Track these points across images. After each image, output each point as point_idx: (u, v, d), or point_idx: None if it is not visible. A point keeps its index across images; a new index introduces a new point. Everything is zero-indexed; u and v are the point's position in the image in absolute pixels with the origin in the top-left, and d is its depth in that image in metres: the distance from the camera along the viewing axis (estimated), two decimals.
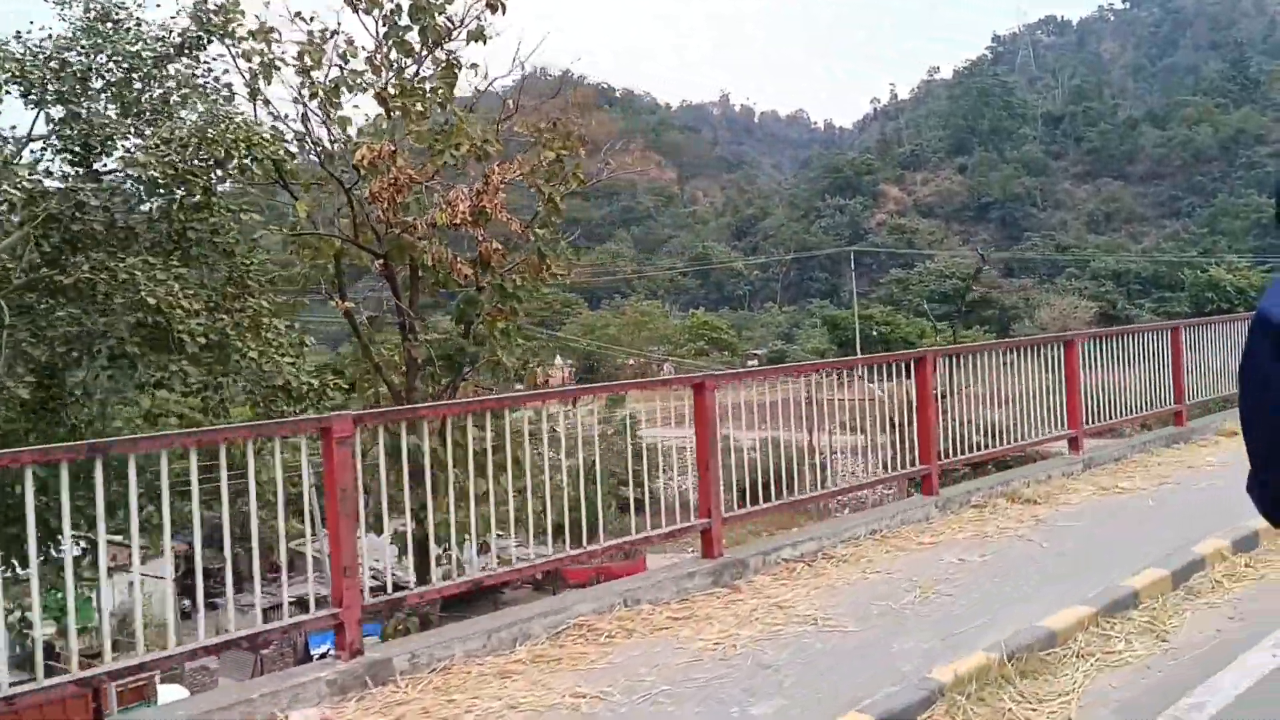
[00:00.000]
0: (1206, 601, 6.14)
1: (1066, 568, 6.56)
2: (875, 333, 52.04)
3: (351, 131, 15.42)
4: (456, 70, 14.82)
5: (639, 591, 5.87)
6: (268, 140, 15.60)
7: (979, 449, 8.95)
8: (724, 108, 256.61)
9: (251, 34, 15.75)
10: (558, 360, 79.16)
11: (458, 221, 14.18)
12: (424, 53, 14.09)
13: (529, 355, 14.95)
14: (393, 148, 12.57)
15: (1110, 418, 10.36)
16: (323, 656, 25.71)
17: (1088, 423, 9.85)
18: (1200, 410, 12.20)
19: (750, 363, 75.80)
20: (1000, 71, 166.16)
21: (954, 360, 8.80)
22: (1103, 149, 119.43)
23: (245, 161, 15.79)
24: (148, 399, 15.50)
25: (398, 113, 13.70)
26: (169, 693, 24.65)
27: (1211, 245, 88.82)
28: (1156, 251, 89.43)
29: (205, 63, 17.02)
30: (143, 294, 14.42)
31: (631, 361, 69.11)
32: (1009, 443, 9.25)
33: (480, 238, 13.49)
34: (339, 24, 15.42)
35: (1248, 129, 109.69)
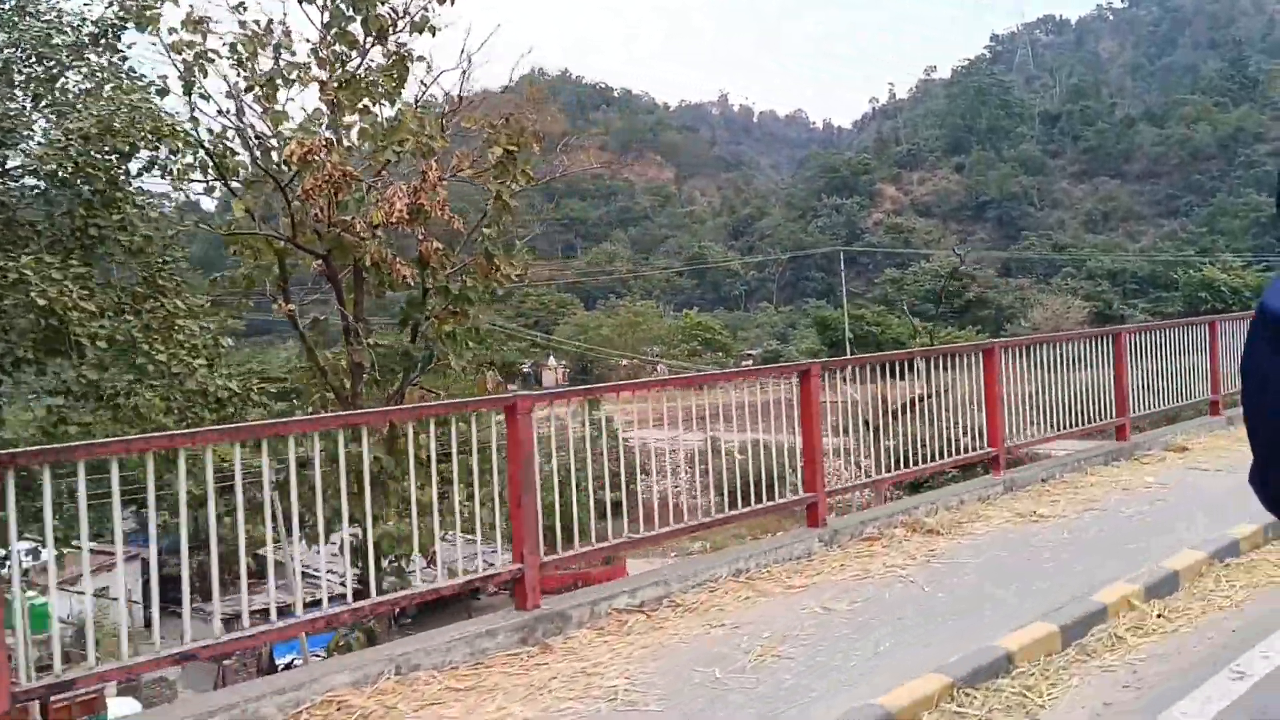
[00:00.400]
0: (1101, 663, 5.20)
1: (943, 619, 5.62)
2: (852, 335, 50.96)
3: (290, 126, 14.54)
4: (408, 64, 13.94)
5: (420, 655, 4.94)
6: (182, 131, 14.81)
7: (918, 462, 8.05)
8: (723, 107, 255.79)
9: (182, 24, 14.92)
10: (551, 361, 78.41)
11: (394, 220, 13.32)
12: (369, 43, 13.18)
13: (481, 360, 13.98)
14: (325, 142, 11.63)
15: (1043, 433, 9.44)
16: (288, 666, 24.85)
17: (1015, 437, 8.92)
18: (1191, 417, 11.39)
19: (745, 362, 74.90)
20: (999, 71, 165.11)
21: (842, 371, 7.84)
22: (1100, 148, 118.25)
23: (158, 154, 15.03)
24: (43, 408, 14.66)
25: (341, 107, 12.80)
26: (120, 706, 23.80)
27: (1210, 244, 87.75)
28: (1154, 251, 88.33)
29: (120, 51, 16.20)
30: (33, 295, 13.57)
31: (625, 362, 68.16)
32: (931, 461, 8.33)
33: (420, 237, 12.61)
34: (284, 14, 14.61)
35: (1246, 127, 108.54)
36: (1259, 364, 1.45)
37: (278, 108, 14.52)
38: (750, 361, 74.74)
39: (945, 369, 8.59)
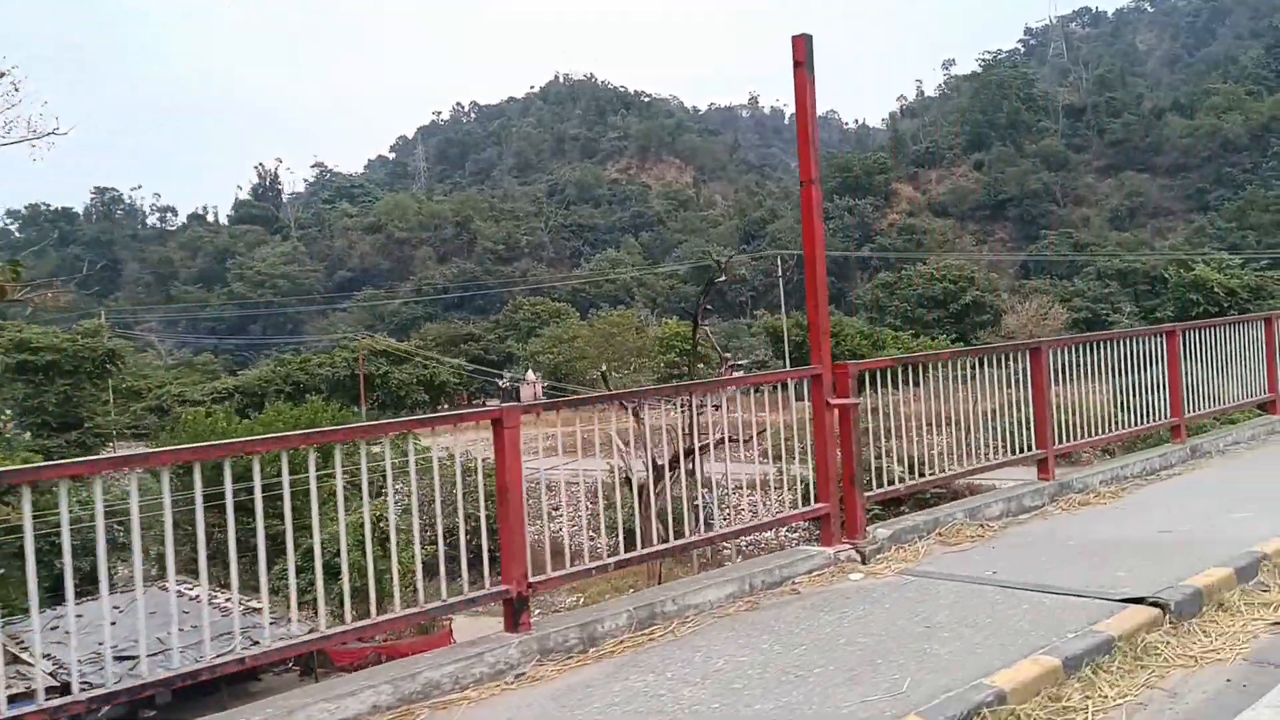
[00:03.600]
0: None
1: None
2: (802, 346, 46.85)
3: None
4: None
5: None
6: None
7: None
8: (753, 109, 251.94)
9: None
10: (530, 375, 75.24)
11: None
12: None
13: None
14: None
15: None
16: None
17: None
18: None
19: (735, 372, 71.10)
20: (1032, 65, 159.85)
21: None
22: (1127, 141, 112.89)
23: None
24: None
25: None
26: None
27: (1240, 240, 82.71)
28: (1182, 248, 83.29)
29: None
30: None
31: (603, 373, 64.72)
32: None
33: None
34: None
35: None
36: None
37: None
38: (741, 371, 71.06)
39: None
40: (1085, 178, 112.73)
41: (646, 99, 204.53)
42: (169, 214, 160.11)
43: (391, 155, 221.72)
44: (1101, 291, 65.17)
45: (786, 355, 46.48)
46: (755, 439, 9.31)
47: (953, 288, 64.61)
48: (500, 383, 69.33)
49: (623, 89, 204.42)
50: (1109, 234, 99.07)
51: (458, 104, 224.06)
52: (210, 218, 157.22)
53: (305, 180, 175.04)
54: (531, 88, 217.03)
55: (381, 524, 17.70)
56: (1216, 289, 42.63)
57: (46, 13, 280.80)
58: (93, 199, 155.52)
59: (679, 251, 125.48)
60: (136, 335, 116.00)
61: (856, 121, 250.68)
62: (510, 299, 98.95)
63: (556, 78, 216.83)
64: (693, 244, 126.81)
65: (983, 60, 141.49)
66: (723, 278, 22.24)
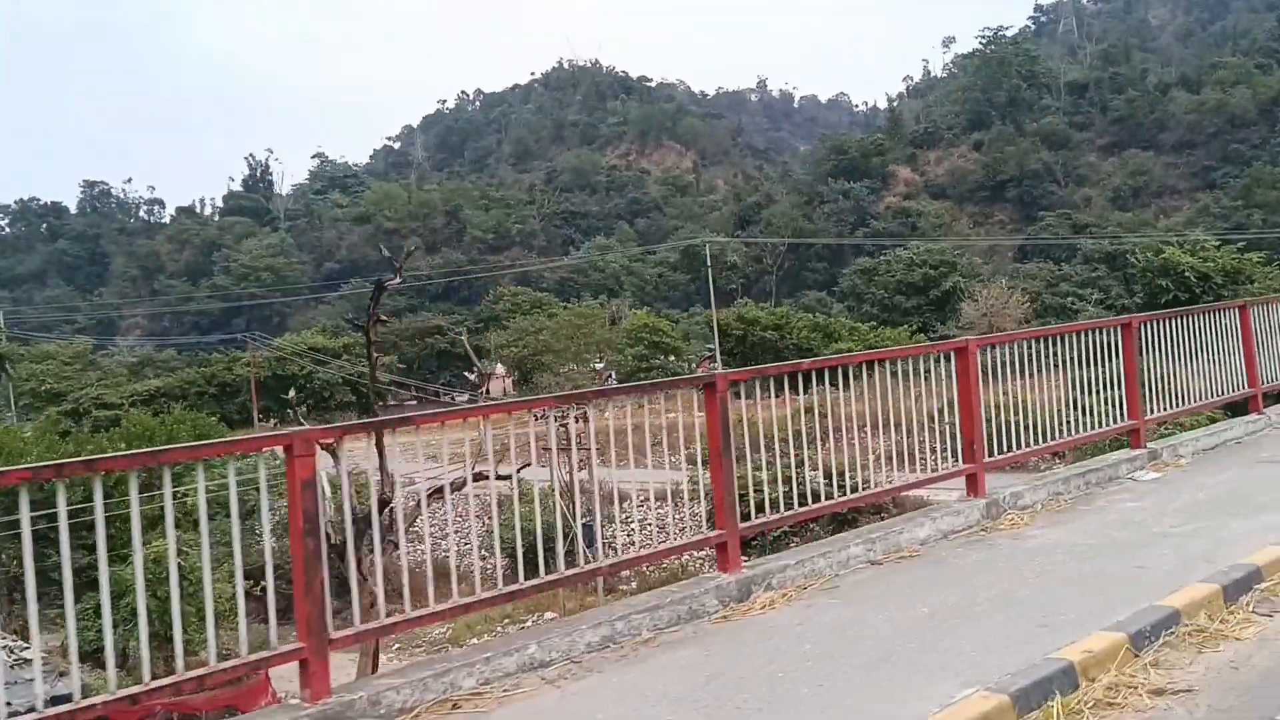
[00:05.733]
0: None
1: None
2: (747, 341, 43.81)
3: None
4: None
5: None
6: None
7: None
8: (762, 93, 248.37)
9: None
10: (500, 369, 72.80)
11: None
12: None
13: None
14: None
15: None
16: None
17: None
18: None
19: (713, 366, 68.42)
20: (1042, 42, 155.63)
21: None
22: (1131, 117, 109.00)
23: None
24: None
25: None
26: None
27: (1245, 219, 79.29)
28: (1180, 228, 79.77)
29: None
30: None
31: (573, 368, 62.20)
32: None
33: None
34: None
35: None
36: None
37: None
38: (717, 366, 68.30)
39: None
40: (1087, 157, 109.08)
41: (649, 84, 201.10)
42: (157, 206, 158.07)
43: (396, 145, 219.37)
44: (1089, 275, 61.94)
45: (718, 350, 43.81)
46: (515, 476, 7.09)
47: (933, 273, 61.78)
48: (470, 377, 66.86)
49: (624, 74, 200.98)
50: (1111, 214, 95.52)
51: (462, 92, 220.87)
52: (207, 210, 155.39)
53: (309, 170, 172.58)
54: (533, 74, 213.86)
55: (162, 562, 15.45)
56: (1188, 274, 39.12)
57: (44, 7, 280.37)
58: (82, 193, 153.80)
59: (675, 238, 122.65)
60: (116, 331, 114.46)
61: (866, 104, 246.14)
62: (494, 288, 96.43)
63: (560, 63, 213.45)
64: (690, 230, 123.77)
65: (983, 37, 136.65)
66: (396, 280, 19.73)
